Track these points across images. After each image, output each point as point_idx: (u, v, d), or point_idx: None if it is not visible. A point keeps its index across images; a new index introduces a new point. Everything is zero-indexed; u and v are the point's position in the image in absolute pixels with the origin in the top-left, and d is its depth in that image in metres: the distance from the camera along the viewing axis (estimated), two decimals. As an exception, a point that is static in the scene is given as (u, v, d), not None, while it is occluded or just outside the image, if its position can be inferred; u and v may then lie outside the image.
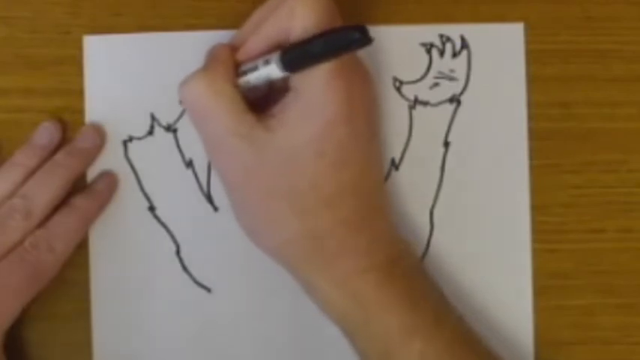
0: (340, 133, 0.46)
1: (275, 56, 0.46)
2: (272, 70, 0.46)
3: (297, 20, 0.46)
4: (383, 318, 0.47)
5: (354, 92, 0.46)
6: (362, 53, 0.52)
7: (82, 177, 0.52)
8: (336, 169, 0.46)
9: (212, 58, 0.49)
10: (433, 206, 0.53)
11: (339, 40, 0.44)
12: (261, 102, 0.49)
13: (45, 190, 0.50)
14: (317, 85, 0.46)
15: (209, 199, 0.52)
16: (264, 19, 0.48)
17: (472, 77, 0.53)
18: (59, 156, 0.51)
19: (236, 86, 0.47)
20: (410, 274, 0.48)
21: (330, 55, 0.45)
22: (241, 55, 0.48)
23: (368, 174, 0.48)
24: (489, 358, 0.49)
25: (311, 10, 0.46)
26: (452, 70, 0.53)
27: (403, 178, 0.53)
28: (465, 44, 0.53)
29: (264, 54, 0.47)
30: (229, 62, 0.48)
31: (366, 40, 0.44)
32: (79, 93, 0.52)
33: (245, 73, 0.48)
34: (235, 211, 0.49)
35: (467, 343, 0.48)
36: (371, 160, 0.48)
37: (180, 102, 0.51)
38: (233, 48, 0.49)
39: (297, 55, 0.45)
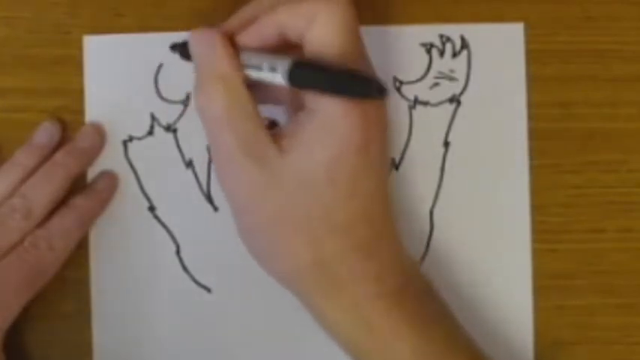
0: (354, 162, 0.44)
1: (282, 66, 0.44)
2: (276, 78, 0.44)
3: (316, 28, 0.44)
4: (395, 345, 0.45)
5: (369, 120, 0.44)
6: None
7: (82, 177, 0.52)
8: (348, 196, 0.44)
9: (207, 51, 0.45)
10: (433, 206, 0.53)
11: (354, 87, 0.43)
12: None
13: (45, 189, 0.50)
14: (333, 110, 0.44)
15: (209, 199, 0.52)
16: (270, 6, 0.45)
17: (472, 77, 0.53)
18: (59, 156, 0.51)
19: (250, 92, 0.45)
20: (420, 299, 0.47)
21: (338, 94, 0.43)
22: (245, 37, 0.45)
23: (379, 201, 0.46)
24: None
25: (334, 23, 0.43)
26: (452, 70, 0.53)
27: (403, 178, 0.53)
28: (465, 44, 0.53)
29: (270, 44, 0.45)
30: (235, 58, 0.45)
31: (380, 96, 0.43)
32: (79, 93, 0.52)
33: (247, 67, 0.45)
34: (243, 234, 0.47)
35: None
36: (382, 187, 0.46)
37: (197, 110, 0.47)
38: (227, 32, 0.46)
39: (307, 78, 0.44)
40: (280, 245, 0.46)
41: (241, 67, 0.45)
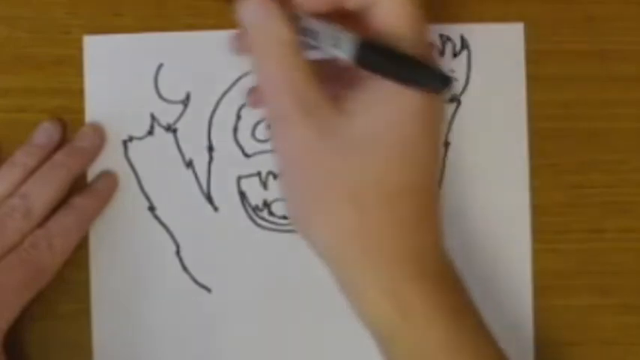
0: (412, 129, 0.44)
1: (347, 44, 0.44)
2: (339, 53, 0.44)
3: (384, 6, 0.44)
4: (428, 330, 0.44)
5: (431, 95, 0.45)
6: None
7: (82, 177, 0.52)
8: (401, 165, 0.44)
9: (277, 26, 0.44)
10: (433, 206, 0.53)
11: (419, 77, 0.43)
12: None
13: (44, 189, 0.50)
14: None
15: (209, 199, 0.52)
16: None
17: (472, 77, 0.53)
18: (58, 156, 0.51)
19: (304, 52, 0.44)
20: (455, 287, 0.46)
21: (403, 82, 0.43)
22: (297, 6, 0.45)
23: (430, 175, 0.46)
24: None
25: (402, 3, 0.44)
26: (452, 70, 0.53)
27: (403, 178, 0.53)
28: (465, 44, 0.53)
29: (325, 9, 0.45)
30: (289, 20, 0.44)
31: (444, 87, 0.43)
32: (79, 93, 0.52)
33: (307, 34, 0.44)
34: (287, 196, 0.46)
35: None
36: (434, 161, 0.46)
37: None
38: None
39: (373, 61, 0.44)
40: (326, 210, 0.44)
41: (298, 31, 0.44)
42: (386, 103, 0.44)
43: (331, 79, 0.46)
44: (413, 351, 0.45)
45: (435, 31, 0.53)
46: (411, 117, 0.44)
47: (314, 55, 0.45)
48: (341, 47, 0.44)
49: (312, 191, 0.45)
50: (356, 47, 0.44)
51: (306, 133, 0.44)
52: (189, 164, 0.52)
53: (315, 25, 0.44)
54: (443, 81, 0.43)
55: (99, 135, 0.52)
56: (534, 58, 0.53)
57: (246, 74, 0.52)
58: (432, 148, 0.46)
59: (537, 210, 0.53)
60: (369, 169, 0.44)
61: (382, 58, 0.44)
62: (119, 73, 0.52)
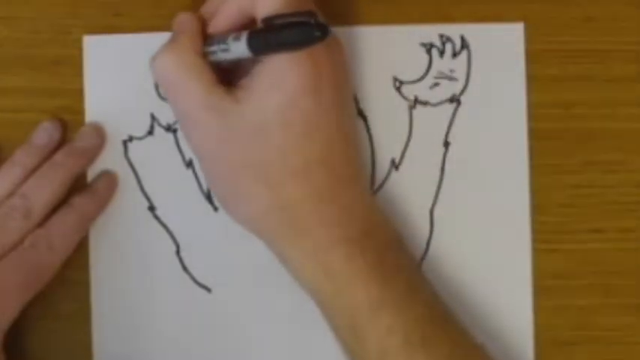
0: (306, 104, 0.46)
1: (243, 37, 0.46)
2: (241, 51, 0.46)
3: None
4: (352, 291, 0.46)
5: (320, 63, 0.46)
6: (362, 53, 0.52)
7: (82, 177, 0.52)
8: (302, 140, 0.46)
9: (178, 29, 0.49)
10: (433, 206, 0.53)
11: (298, 37, 0.44)
12: (232, 69, 0.49)
13: (44, 189, 0.50)
14: (282, 56, 0.46)
15: (209, 199, 0.52)
16: None
17: (472, 77, 0.53)
18: (58, 156, 0.51)
19: (204, 57, 0.48)
20: (383, 248, 0.48)
21: (287, 49, 0.45)
22: (211, 29, 0.49)
23: (337, 145, 0.47)
24: (462, 337, 0.48)
25: None
26: (452, 70, 0.53)
27: (403, 178, 0.53)
28: (465, 44, 0.53)
29: (234, 24, 0.48)
30: (196, 33, 0.48)
31: (323, 36, 0.44)
32: (79, 93, 0.52)
33: (214, 45, 0.48)
34: (209, 183, 0.50)
35: (438, 321, 0.48)
36: (340, 131, 0.47)
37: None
38: (200, 17, 0.49)
39: (261, 43, 0.46)
40: (242, 191, 0.47)
41: (198, 40, 0.48)
42: (275, 84, 0.46)
43: (235, 77, 0.48)
44: (343, 312, 0.47)
45: (435, 31, 0.53)
46: (302, 94, 0.46)
47: (225, 56, 0.47)
48: (240, 40, 0.46)
49: (227, 178, 0.48)
50: (247, 37, 0.46)
51: (211, 126, 0.47)
52: (189, 164, 0.52)
53: (221, 36, 0.48)
54: (320, 30, 0.44)
55: (99, 135, 0.52)
56: (534, 58, 0.53)
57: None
58: (335, 120, 0.47)
59: (537, 210, 0.53)
60: (272, 149, 0.46)
61: (264, 37, 0.45)
62: (119, 73, 0.52)
